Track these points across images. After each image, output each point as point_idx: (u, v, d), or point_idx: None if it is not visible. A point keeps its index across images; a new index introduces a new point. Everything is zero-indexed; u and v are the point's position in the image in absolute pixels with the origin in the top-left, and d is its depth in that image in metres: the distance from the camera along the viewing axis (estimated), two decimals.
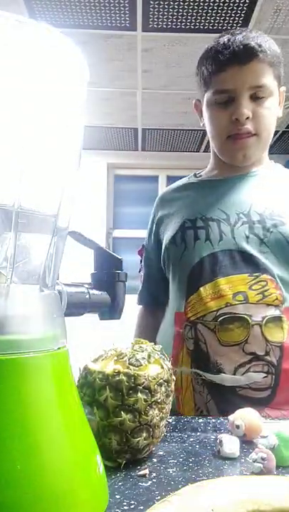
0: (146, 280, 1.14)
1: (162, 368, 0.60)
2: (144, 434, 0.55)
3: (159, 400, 0.57)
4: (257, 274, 0.84)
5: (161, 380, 0.58)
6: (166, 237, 0.98)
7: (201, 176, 1.06)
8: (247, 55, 0.85)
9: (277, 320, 0.83)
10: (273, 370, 0.82)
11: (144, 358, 0.59)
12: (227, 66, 0.87)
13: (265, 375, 0.81)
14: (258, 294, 0.83)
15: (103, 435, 0.55)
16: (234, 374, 0.82)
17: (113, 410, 0.55)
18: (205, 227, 0.90)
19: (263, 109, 0.89)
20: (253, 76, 0.86)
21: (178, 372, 0.90)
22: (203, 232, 0.89)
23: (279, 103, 0.95)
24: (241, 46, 0.85)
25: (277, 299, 0.83)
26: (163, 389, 0.58)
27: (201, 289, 0.86)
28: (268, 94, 0.89)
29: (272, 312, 0.83)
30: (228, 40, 0.87)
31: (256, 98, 0.88)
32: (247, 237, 0.86)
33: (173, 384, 0.61)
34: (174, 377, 0.62)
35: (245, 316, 0.82)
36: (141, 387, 0.55)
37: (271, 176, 0.99)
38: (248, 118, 0.88)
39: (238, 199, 0.92)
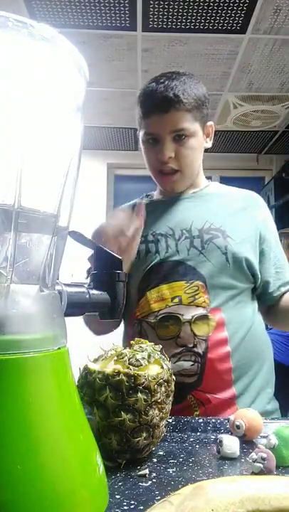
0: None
1: (162, 367, 0.60)
2: (144, 434, 0.55)
3: (159, 400, 0.57)
4: (192, 281, 0.99)
5: (161, 380, 0.58)
6: None
7: (152, 197, 1.21)
8: (165, 105, 0.98)
9: (204, 318, 0.97)
10: (199, 359, 0.96)
11: (144, 358, 0.59)
12: (150, 114, 1.01)
13: (193, 363, 0.95)
14: (190, 297, 0.98)
15: (103, 435, 0.55)
16: None
17: (113, 410, 0.55)
18: (154, 241, 1.05)
19: (185, 148, 1.01)
20: (172, 122, 0.99)
21: None
22: (154, 246, 1.04)
23: (208, 135, 1.09)
24: (161, 97, 0.98)
25: (204, 301, 0.98)
26: (163, 389, 0.58)
27: (148, 293, 1.01)
28: (189, 135, 1.01)
29: (200, 311, 0.97)
30: (151, 89, 1.00)
31: (179, 139, 1.00)
32: (188, 250, 1.01)
33: (173, 384, 0.61)
34: (173, 377, 0.62)
35: (178, 315, 0.97)
36: (141, 387, 0.55)
37: (209, 193, 1.13)
38: (170, 157, 1.01)
39: (181, 217, 1.07)
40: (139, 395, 0.55)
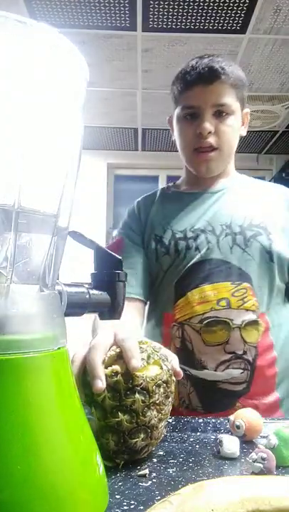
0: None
1: (161, 368, 0.59)
2: (142, 435, 0.55)
3: (158, 401, 0.57)
4: (238, 282, 0.94)
5: (159, 381, 0.57)
6: (158, 247, 1.02)
7: (178, 188, 1.13)
8: (211, 76, 0.95)
9: (253, 323, 0.93)
10: (249, 367, 0.92)
11: (143, 359, 0.59)
12: (193, 85, 0.97)
13: (242, 371, 0.92)
14: (238, 300, 0.93)
15: (101, 435, 0.55)
16: (216, 370, 0.92)
17: (111, 411, 0.55)
18: (194, 237, 0.99)
19: (224, 125, 0.98)
20: (215, 95, 0.97)
21: None
22: (193, 243, 0.98)
23: (243, 123, 1.06)
24: (206, 68, 0.96)
25: (254, 305, 0.94)
26: (162, 390, 0.58)
27: (189, 293, 0.95)
28: (230, 112, 0.98)
29: (250, 317, 0.93)
30: (196, 62, 0.98)
31: (219, 115, 0.98)
32: (231, 248, 0.96)
33: (173, 385, 0.61)
34: (174, 378, 0.62)
35: (227, 320, 0.92)
36: (138, 388, 0.55)
37: (240, 186, 1.08)
38: (210, 133, 0.97)
39: (220, 212, 1.01)
40: (137, 395, 0.55)
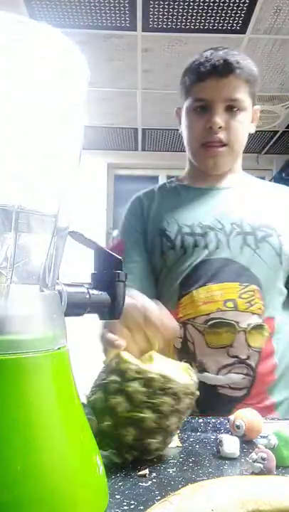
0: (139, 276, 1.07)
1: (192, 380, 0.60)
2: (159, 438, 0.55)
3: (182, 409, 0.57)
4: (246, 283, 0.90)
5: (188, 391, 0.58)
6: (163, 241, 0.97)
7: (181, 182, 1.08)
8: (225, 69, 0.91)
9: (259, 328, 0.89)
10: (251, 372, 0.89)
11: (175, 367, 0.59)
12: (206, 77, 0.93)
13: (244, 376, 0.89)
14: (246, 302, 0.89)
15: (121, 427, 0.54)
16: (217, 374, 0.89)
17: (138, 405, 0.54)
18: (203, 234, 0.94)
19: (235, 121, 0.95)
20: (228, 89, 0.93)
21: None
22: (202, 240, 0.93)
23: (252, 120, 1.02)
24: (221, 61, 0.91)
25: (260, 308, 0.90)
26: (187, 400, 0.58)
27: (194, 292, 0.91)
28: (241, 108, 0.95)
29: (256, 320, 0.89)
30: (211, 54, 0.94)
31: (230, 110, 0.94)
32: (241, 248, 0.92)
33: (194, 399, 0.61)
34: (197, 392, 0.61)
35: (234, 323, 0.88)
36: (170, 392, 0.55)
37: (248, 185, 1.04)
38: (220, 127, 0.93)
39: (229, 209, 0.97)
40: (167, 398, 0.55)
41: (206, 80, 0.93)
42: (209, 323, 0.88)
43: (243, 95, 0.94)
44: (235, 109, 0.94)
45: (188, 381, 0.58)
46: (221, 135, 0.94)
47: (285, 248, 0.93)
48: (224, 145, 0.96)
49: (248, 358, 0.88)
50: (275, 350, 0.92)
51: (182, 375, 0.59)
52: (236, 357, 0.88)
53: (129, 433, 0.54)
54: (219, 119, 0.93)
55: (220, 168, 0.99)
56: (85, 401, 0.58)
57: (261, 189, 1.05)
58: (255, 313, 0.89)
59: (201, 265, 0.92)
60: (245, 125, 0.98)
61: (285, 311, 0.96)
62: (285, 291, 0.96)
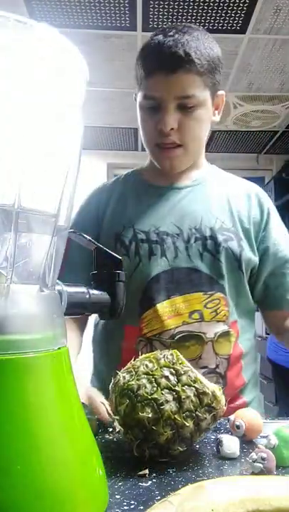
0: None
1: (224, 406, 0.61)
2: (184, 447, 0.57)
3: (208, 429, 0.59)
4: (211, 292, 0.86)
5: (220, 415, 0.59)
6: (117, 247, 0.90)
7: (141, 175, 1.00)
8: (173, 64, 0.80)
9: (226, 335, 0.87)
10: (221, 380, 0.87)
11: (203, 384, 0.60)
12: (154, 72, 0.83)
13: (215, 384, 0.87)
14: (212, 312, 0.85)
15: (161, 425, 0.55)
16: None
17: (185, 411, 0.55)
18: (160, 242, 0.87)
19: (190, 120, 0.84)
20: (179, 86, 0.82)
21: None
22: (159, 248, 0.87)
23: (217, 107, 0.92)
24: (168, 54, 0.80)
25: (225, 315, 0.87)
26: (215, 423, 0.60)
27: (158, 305, 0.85)
28: (197, 104, 0.84)
29: (222, 328, 0.87)
30: (158, 43, 0.82)
31: (184, 108, 0.83)
32: (201, 254, 0.86)
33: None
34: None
35: (201, 334, 0.85)
36: (213, 411, 0.57)
37: (212, 181, 0.96)
38: (173, 129, 0.84)
39: (188, 211, 0.90)
40: (209, 416, 0.57)
41: (154, 75, 0.83)
42: (176, 337, 0.84)
43: (197, 90, 0.83)
44: (189, 107, 0.83)
45: (224, 406, 0.60)
46: (174, 137, 0.85)
47: (244, 253, 0.88)
48: (179, 146, 0.87)
49: (217, 366, 0.86)
50: (243, 352, 0.91)
51: (222, 399, 0.60)
52: (206, 367, 0.85)
53: (166, 434, 0.54)
54: (170, 121, 0.83)
55: (176, 168, 0.91)
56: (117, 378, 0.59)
57: (225, 187, 0.96)
58: (220, 321, 0.86)
59: (161, 276, 0.86)
60: (203, 120, 0.87)
61: (249, 312, 0.94)
62: (247, 291, 0.92)
